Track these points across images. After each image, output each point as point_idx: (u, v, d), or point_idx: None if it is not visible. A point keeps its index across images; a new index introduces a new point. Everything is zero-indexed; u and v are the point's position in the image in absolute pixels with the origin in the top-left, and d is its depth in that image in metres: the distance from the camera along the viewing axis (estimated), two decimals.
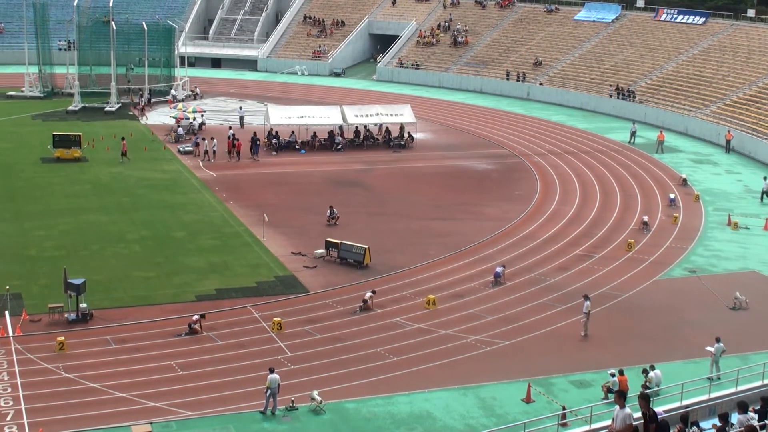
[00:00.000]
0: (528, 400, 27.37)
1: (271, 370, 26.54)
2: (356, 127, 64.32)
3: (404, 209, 48.13)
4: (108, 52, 77.17)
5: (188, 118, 67.12)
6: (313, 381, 27.92)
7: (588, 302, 32.35)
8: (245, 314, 33.38)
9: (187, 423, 25.52)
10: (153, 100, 77.60)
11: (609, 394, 27.25)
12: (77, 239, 41.34)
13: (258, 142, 59.15)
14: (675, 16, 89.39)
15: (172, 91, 79.83)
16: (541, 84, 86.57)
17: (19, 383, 27.34)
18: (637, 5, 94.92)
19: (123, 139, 58.08)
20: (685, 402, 24.20)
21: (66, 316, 32.14)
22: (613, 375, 27.81)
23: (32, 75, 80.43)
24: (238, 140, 58.83)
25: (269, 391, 26.10)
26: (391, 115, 65.21)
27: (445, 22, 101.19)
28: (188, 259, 39.23)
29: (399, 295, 35.70)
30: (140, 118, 71.44)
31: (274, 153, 60.83)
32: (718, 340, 29.21)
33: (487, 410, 26.85)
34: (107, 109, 73.74)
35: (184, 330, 31.45)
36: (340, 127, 64.11)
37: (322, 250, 39.80)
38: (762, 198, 51.50)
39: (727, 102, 71.19)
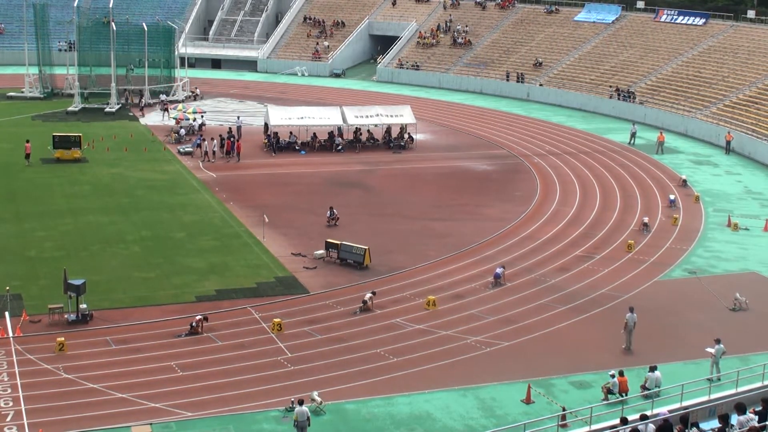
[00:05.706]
0: (528, 400, 27.38)
1: (301, 403, 25.07)
2: (356, 128, 64.28)
3: (404, 210, 48.13)
4: (108, 53, 77.17)
5: (188, 119, 67.10)
6: (313, 382, 27.93)
7: (632, 314, 31.45)
8: (245, 315, 33.39)
9: (187, 424, 25.52)
10: (150, 101, 77.32)
11: (609, 395, 27.31)
12: (77, 240, 41.36)
13: (227, 141, 59.15)
14: (675, 17, 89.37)
15: (162, 96, 79.09)
16: (540, 85, 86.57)
17: (19, 384, 27.34)
18: (637, 6, 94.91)
19: (27, 141, 56.59)
20: (685, 403, 24.19)
21: (66, 316, 32.15)
22: (613, 376, 27.81)
23: (32, 76, 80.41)
24: (227, 139, 59.07)
25: (296, 424, 24.85)
26: (391, 116, 65.17)
27: (445, 23, 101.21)
28: (188, 259, 39.25)
29: (399, 295, 35.70)
30: (140, 119, 71.44)
31: (274, 154, 60.86)
32: (718, 341, 29.20)
33: (487, 411, 26.85)
34: (107, 109, 73.74)
35: (184, 330, 31.48)
36: (339, 128, 64.12)
37: (322, 251, 39.80)
38: None
39: (727, 103, 71.18)
